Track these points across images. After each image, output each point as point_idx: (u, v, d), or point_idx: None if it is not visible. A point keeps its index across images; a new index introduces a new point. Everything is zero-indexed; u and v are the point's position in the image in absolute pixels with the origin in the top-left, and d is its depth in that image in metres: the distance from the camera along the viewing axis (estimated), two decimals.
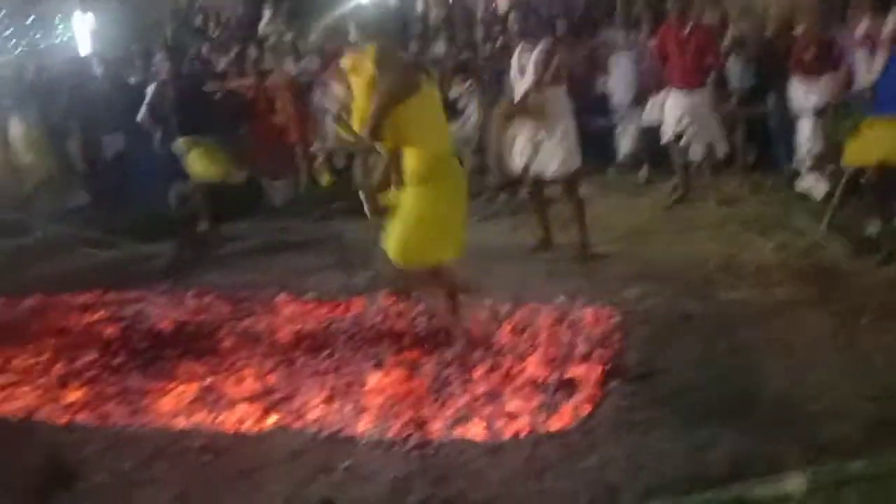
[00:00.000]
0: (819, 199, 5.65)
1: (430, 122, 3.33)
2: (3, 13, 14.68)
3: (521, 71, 4.81)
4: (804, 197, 5.90)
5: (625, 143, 7.31)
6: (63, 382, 3.75)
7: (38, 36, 14.97)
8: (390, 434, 2.98)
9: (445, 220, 3.38)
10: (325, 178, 7.63)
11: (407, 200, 3.35)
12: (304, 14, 10.21)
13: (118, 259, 6.07)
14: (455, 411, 3.12)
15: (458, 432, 2.97)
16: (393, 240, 3.38)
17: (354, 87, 3.43)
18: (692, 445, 2.68)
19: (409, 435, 2.96)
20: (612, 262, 4.84)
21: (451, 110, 7.45)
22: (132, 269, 5.75)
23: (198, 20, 11.00)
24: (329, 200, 7.33)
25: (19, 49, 13.28)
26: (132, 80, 8.19)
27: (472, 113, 7.21)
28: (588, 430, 2.89)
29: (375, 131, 3.22)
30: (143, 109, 6.40)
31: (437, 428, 3.01)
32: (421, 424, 3.04)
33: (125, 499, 2.70)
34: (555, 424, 2.97)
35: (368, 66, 3.28)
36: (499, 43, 7.52)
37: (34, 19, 14.94)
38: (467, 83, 7.18)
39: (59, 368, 3.93)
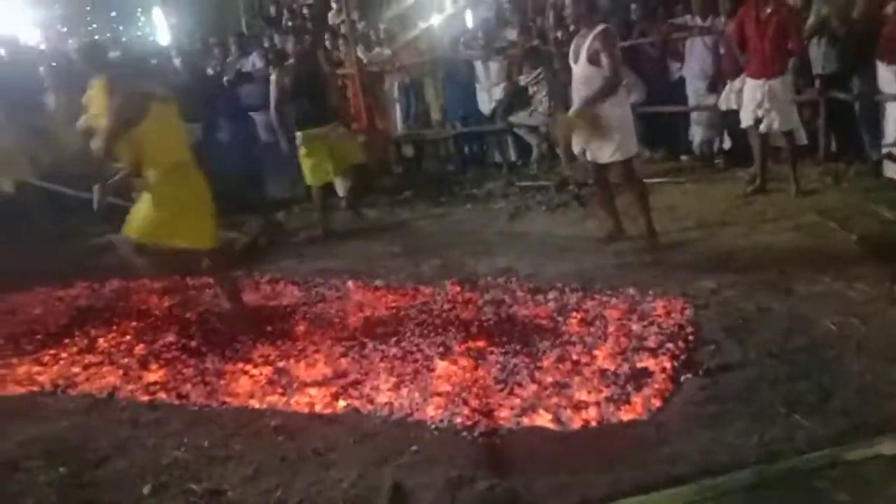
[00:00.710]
0: None
1: (162, 141, 3.91)
2: (88, 7, 15.36)
3: (576, 57, 4.73)
4: (890, 185, 5.63)
5: (701, 130, 7.13)
6: (144, 363, 3.93)
7: (120, 28, 15.60)
8: (458, 420, 3.00)
9: (179, 215, 3.97)
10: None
11: (145, 198, 3.98)
12: (372, 3, 10.34)
13: None
14: (522, 400, 3.12)
15: (525, 421, 2.98)
16: (133, 220, 4.00)
17: (94, 111, 4.15)
18: (766, 441, 2.61)
19: (477, 422, 2.98)
20: (685, 253, 4.74)
21: (521, 97, 7.41)
22: None
23: (271, 10, 11.25)
24: (398, 189, 7.43)
25: (103, 38, 13.76)
26: (210, 71, 8.44)
27: (543, 100, 7.15)
28: (659, 422, 2.85)
29: (108, 152, 3.87)
30: (272, 104, 6.10)
31: (504, 416, 3.02)
32: (488, 412, 3.05)
33: (205, 473, 2.80)
34: (625, 416, 2.95)
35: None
36: (570, 29, 7.42)
37: (116, 13, 15.58)
38: (537, 70, 7.13)
39: (140, 350, 4.11)
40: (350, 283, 4.75)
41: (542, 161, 7.62)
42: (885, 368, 3.05)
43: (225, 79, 7.92)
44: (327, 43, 8.36)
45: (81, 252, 6.34)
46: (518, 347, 3.58)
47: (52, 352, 4.22)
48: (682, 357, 3.33)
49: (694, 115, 7.11)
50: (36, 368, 4.04)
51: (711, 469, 2.49)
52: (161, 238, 3.98)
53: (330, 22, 9.64)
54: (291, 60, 6.29)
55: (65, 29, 14.82)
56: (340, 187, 6.70)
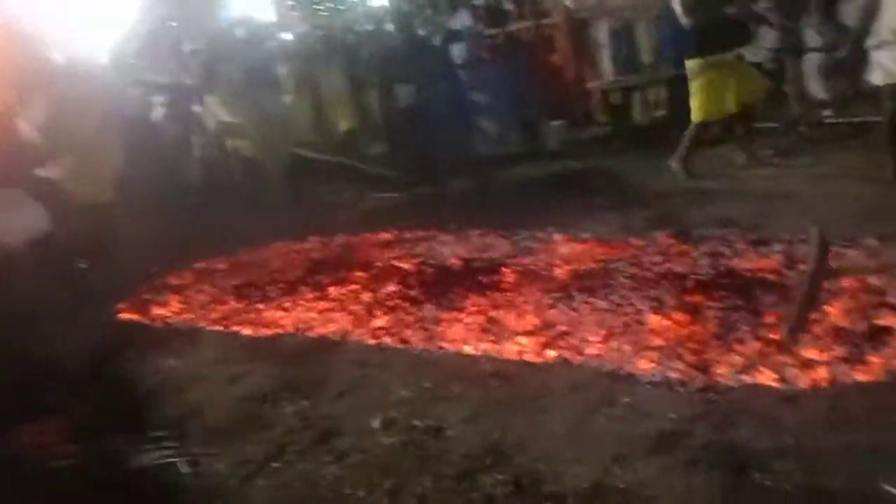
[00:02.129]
0: None
1: None
2: None
3: None
4: None
5: None
6: (370, 310, 4.26)
7: None
8: (673, 374, 2.94)
9: None
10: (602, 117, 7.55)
11: None
12: None
13: (409, 200, 6.63)
14: (744, 357, 2.97)
15: (746, 378, 2.84)
16: None
17: None
18: None
19: (693, 377, 2.89)
20: None
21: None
22: (423, 210, 6.24)
23: None
24: (606, 139, 7.26)
25: (325, 10, 14.61)
26: (422, 32, 8.72)
27: (770, 35, 6.54)
28: None
29: None
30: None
31: (722, 372, 2.90)
32: (705, 367, 2.95)
33: (427, 411, 3.01)
34: (860, 377, 2.70)
35: None
36: None
37: None
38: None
39: (366, 298, 4.46)
40: (556, 236, 4.77)
41: (769, 101, 7.00)
42: None
43: (436, 38, 8.17)
44: None
45: (313, 210, 6.96)
46: (738, 303, 3.39)
47: (291, 298, 4.71)
48: None
49: None
50: (279, 314, 4.54)
51: None
52: None
53: None
54: None
55: (290, 2, 15.94)
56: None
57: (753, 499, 2.18)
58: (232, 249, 5.84)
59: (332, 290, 4.70)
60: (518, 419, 2.82)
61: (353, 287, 4.67)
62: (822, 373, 2.78)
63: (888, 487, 2.12)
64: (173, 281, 5.44)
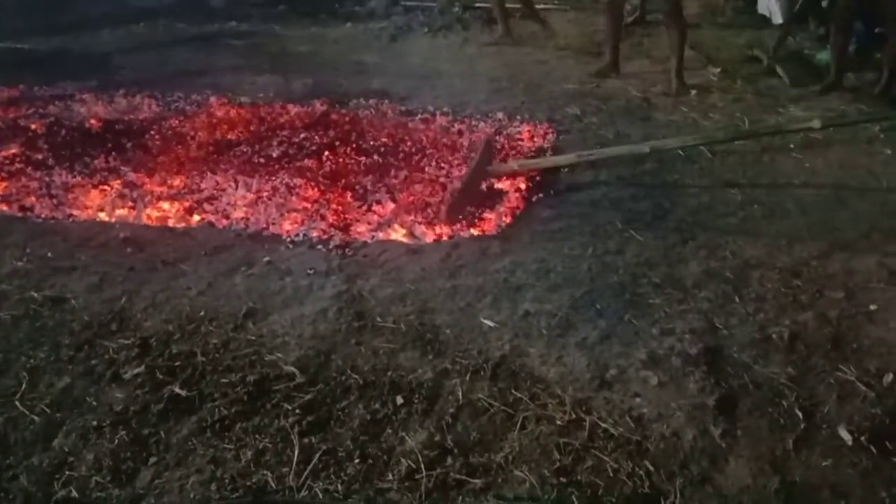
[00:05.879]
0: (778, 23, 5.54)
1: None
2: None
3: None
4: (763, 22, 5.77)
5: None
6: None
7: None
8: (314, 234, 3.03)
9: None
10: None
11: None
12: None
13: (46, 54, 5.74)
14: (381, 217, 3.17)
15: (380, 235, 3.04)
16: None
17: None
18: (599, 252, 2.79)
19: (332, 236, 3.01)
20: (556, 80, 4.75)
21: None
22: (58, 65, 5.44)
23: None
24: (273, 3, 6.95)
25: None
26: None
27: None
28: (506, 237, 2.98)
29: None
30: None
31: (360, 231, 3.07)
32: (345, 227, 3.09)
33: (48, 282, 2.73)
34: (476, 231, 3.05)
35: None
36: None
37: None
38: None
39: None
40: (213, 99, 4.52)
41: None
42: (723, 191, 3.27)
43: None
44: None
45: None
46: (383, 168, 3.57)
47: None
48: (538, 178, 3.44)
49: None
50: None
51: (546, 275, 2.66)
52: None
53: None
54: None
55: None
56: None
57: (372, 338, 2.38)
58: None
59: None
60: (151, 284, 2.70)
61: None
62: (445, 229, 3.08)
63: (485, 321, 2.46)
64: None
